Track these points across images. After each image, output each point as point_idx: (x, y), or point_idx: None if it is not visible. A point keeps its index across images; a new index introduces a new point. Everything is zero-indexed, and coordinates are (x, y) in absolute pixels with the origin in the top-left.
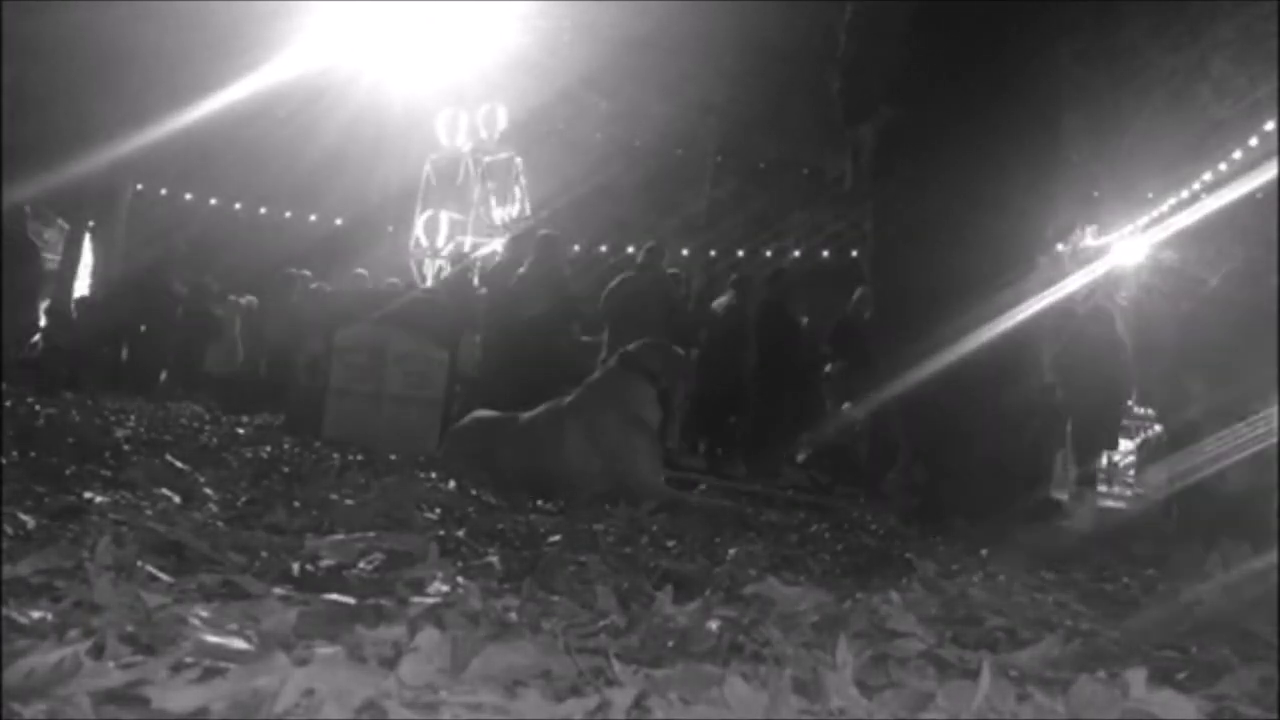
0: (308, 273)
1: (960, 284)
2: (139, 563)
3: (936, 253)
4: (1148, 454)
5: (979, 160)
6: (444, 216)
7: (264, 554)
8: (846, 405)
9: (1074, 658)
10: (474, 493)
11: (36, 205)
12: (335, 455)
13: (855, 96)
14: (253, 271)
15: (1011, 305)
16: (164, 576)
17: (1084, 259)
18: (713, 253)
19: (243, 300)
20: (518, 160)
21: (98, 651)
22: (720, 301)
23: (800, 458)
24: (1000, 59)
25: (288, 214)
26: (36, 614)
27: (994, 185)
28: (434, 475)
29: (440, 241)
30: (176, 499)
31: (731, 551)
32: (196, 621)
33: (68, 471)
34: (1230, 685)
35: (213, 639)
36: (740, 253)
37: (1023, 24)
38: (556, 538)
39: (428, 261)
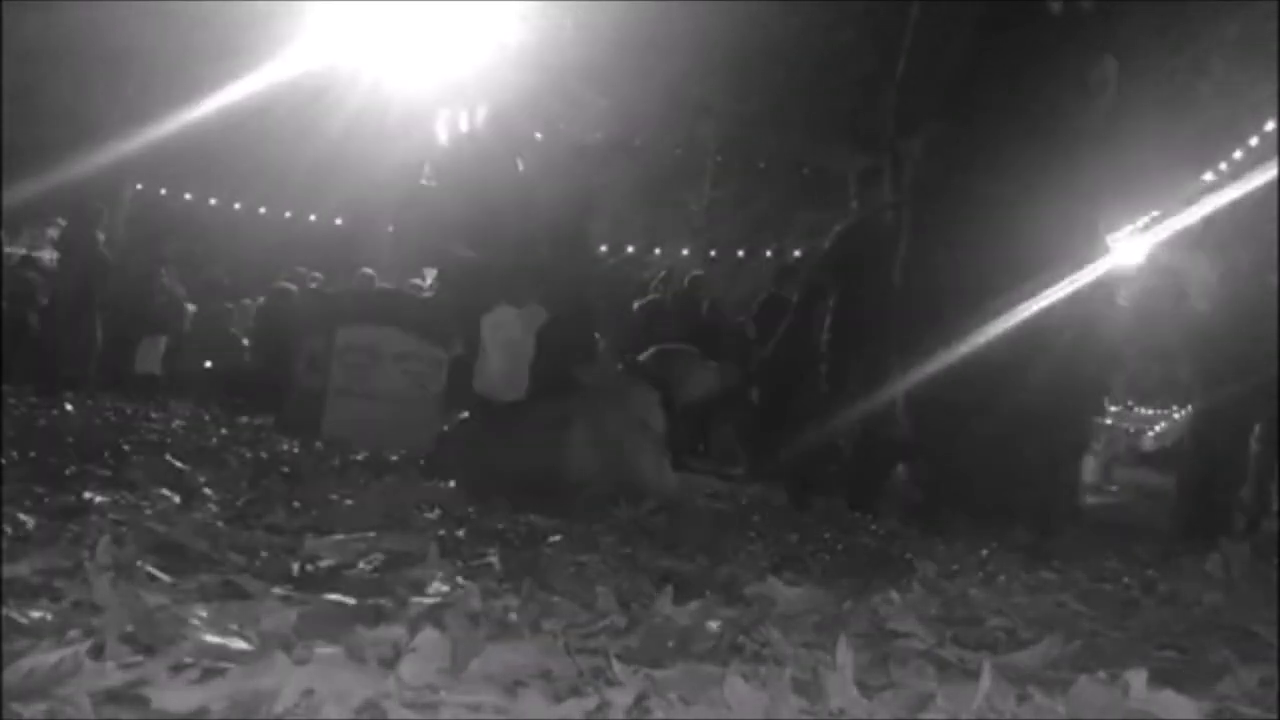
0: (318, 274)
1: (987, 294)
2: (139, 563)
3: (969, 261)
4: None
5: (1022, 176)
6: None
7: (264, 554)
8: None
9: (1074, 658)
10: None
11: (37, 205)
12: (335, 455)
13: (908, 111)
14: (254, 272)
15: (1035, 313)
16: (164, 576)
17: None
18: (713, 253)
19: (247, 301)
20: (518, 160)
21: (98, 651)
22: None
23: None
24: (1050, 79)
25: (288, 214)
26: (36, 614)
27: (1033, 202)
28: (434, 475)
29: None
30: (176, 499)
31: (731, 551)
32: (196, 621)
33: (68, 471)
34: (1230, 686)
35: (213, 639)
36: (740, 253)
37: (1069, 44)
38: (556, 538)
39: None
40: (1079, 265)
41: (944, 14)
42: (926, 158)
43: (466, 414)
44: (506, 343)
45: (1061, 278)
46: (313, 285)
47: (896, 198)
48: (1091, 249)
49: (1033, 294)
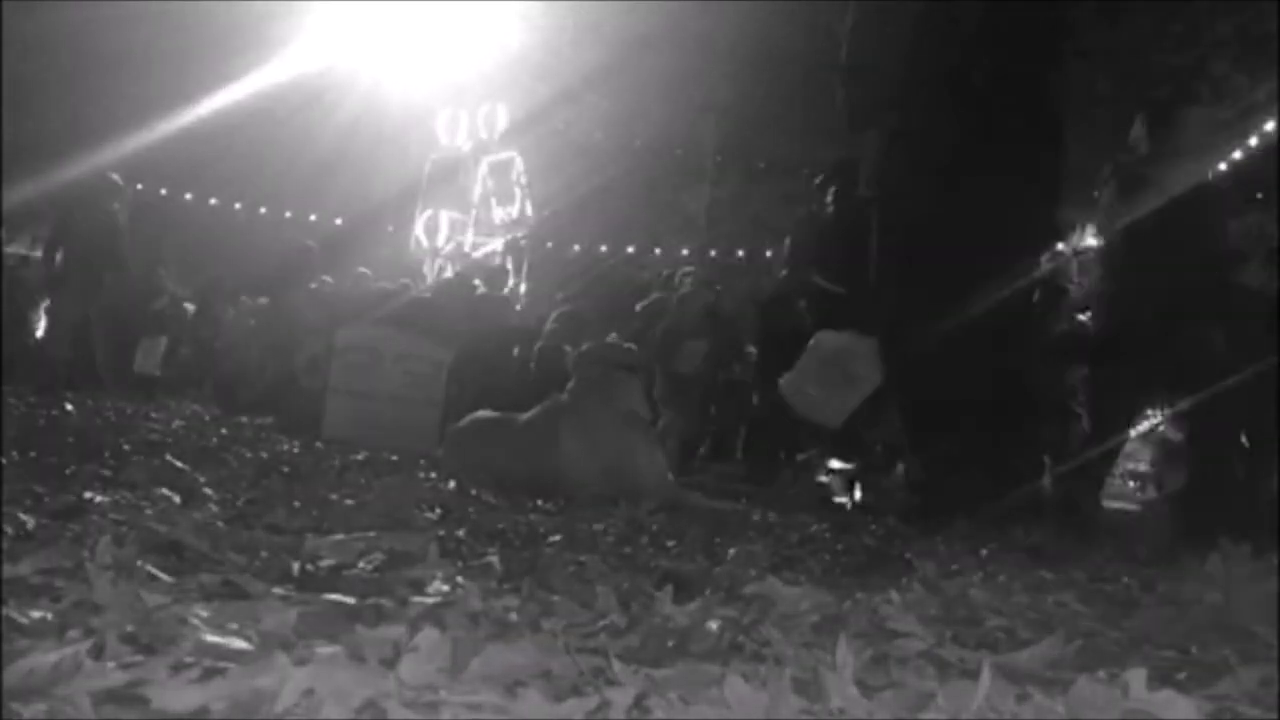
0: (327, 278)
1: (963, 286)
2: (139, 563)
3: (939, 255)
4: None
5: (981, 163)
6: (444, 216)
7: (264, 554)
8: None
9: (1074, 658)
10: (474, 493)
11: (37, 205)
12: (335, 455)
13: (859, 103)
14: (253, 271)
15: (1013, 304)
16: (164, 576)
17: (1085, 259)
18: (713, 253)
19: (252, 301)
20: (518, 160)
21: (98, 651)
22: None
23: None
24: (1003, 61)
25: (288, 214)
26: (36, 614)
27: (995, 187)
28: (434, 475)
29: (440, 241)
30: (176, 499)
31: (731, 551)
32: (196, 621)
33: (68, 471)
34: (1230, 685)
35: (213, 639)
36: (740, 253)
37: (1025, 26)
38: (556, 538)
39: (427, 261)
40: (1038, 256)
41: (882, 6)
42: (887, 149)
43: (471, 416)
44: (838, 370)
45: (1025, 269)
46: (314, 286)
47: (866, 191)
48: (1044, 241)
49: (1003, 288)
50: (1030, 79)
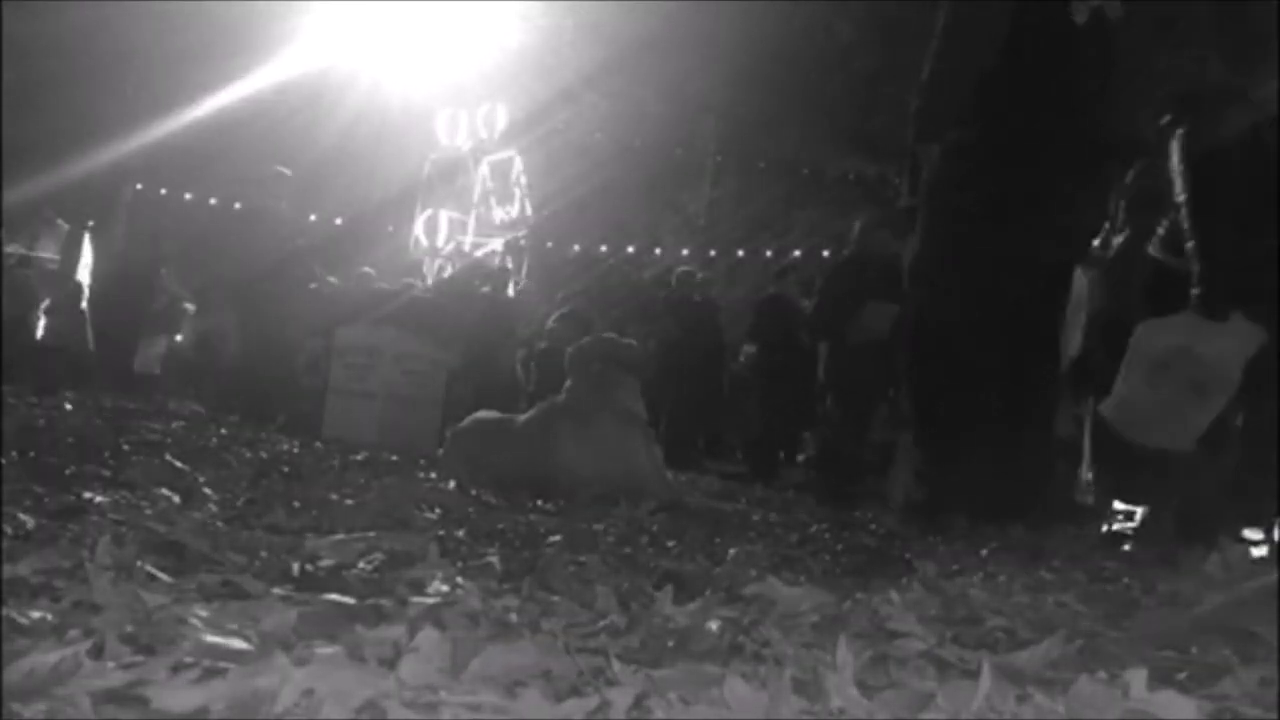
0: (332, 279)
1: (993, 305)
2: (139, 563)
3: (974, 259)
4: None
5: (1036, 187)
6: (444, 216)
7: (264, 554)
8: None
9: (1074, 658)
10: (474, 493)
11: (37, 205)
12: (335, 455)
13: (931, 117)
14: (253, 272)
15: (1043, 321)
16: (164, 576)
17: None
18: (713, 253)
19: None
20: (518, 160)
21: (98, 651)
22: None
23: (801, 457)
24: (1078, 88)
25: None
26: (36, 614)
27: (1044, 212)
28: (434, 475)
29: (440, 241)
30: (176, 499)
31: (731, 551)
32: (196, 621)
33: (68, 471)
34: (1230, 685)
35: (213, 639)
36: (740, 253)
37: (1099, 57)
38: (556, 538)
39: (427, 261)
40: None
41: (973, 19)
42: (944, 162)
43: (471, 416)
44: (1179, 377)
45: (1061, 290)
46: (313, 286)
47: (911, 201)
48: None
49: (1035, 304)
50: (1096, 107)
